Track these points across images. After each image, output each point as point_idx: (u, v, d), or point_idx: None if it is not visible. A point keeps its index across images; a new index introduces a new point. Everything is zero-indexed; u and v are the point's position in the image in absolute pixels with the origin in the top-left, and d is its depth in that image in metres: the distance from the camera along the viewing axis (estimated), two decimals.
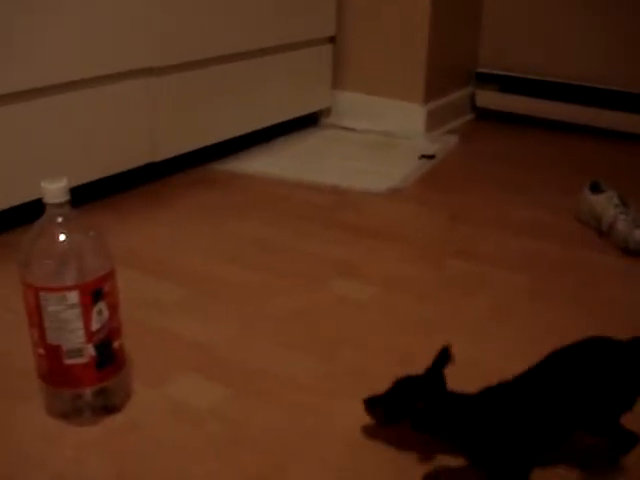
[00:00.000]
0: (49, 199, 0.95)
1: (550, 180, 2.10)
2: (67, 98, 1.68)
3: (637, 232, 1.60)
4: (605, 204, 1.70)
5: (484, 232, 1.73)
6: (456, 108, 2.69)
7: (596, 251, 1.63)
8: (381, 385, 1.11)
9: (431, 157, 2.26)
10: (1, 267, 1.43)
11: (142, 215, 1.80)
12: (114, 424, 1.05)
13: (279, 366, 1.19)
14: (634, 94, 2.43)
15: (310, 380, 1.16)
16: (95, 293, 0.98)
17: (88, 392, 1.03)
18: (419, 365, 1.17)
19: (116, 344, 1.04)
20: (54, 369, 1.01)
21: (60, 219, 0.96)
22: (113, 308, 1.02)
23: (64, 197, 0.95)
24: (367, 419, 1.05)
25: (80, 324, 0.97)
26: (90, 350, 1.00)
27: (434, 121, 2.53)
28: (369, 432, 1.03)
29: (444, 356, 0.95)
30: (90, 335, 0.99)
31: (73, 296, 0.96)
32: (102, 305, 0.99)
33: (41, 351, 1.00)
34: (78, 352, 0.99)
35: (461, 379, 1.05)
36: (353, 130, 2.54)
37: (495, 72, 2.69)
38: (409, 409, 0.94)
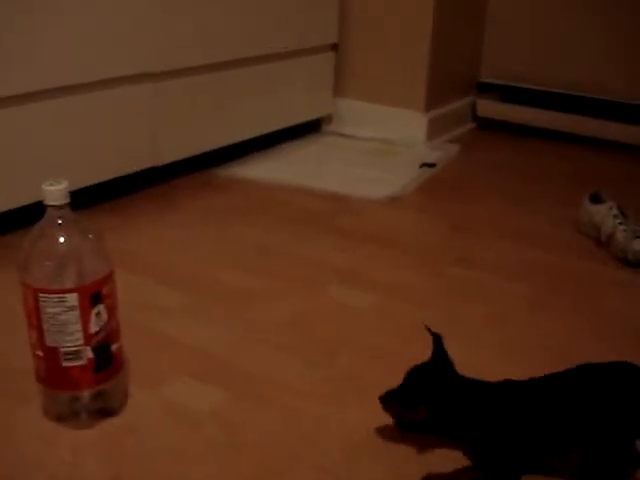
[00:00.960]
0: (49, 201, 0.95)
1: (550, 190, 2.10)
2: (69, 101, 1.68)
3: (636, 243, 1.60)
4: (604, 214, 1.70)
5: (484, 241, 1.74)
6: (457, 117, 2.69)
7: (595, 261, 1.63)
8: (379, 391, 1.11)
9: (432, 165, 2.27)
10: (1, 269, 1.43)
11: (145, 218, 1.80)
12: (111, 427, 1.05)
13: (277, 370, 1.19)
14: (635, 105, 2.44)
15: (308, 385, 1.16)
16: (94, 295, 0.98)
17: (86, 395, 1.03)
18: None
19: (114, 347, 1.04)
20: (52, 371, 1.01)
21: (60, 221, 0.96)
22: (112, 311, 1.02)
23: (64, 199, 0.96)
24: (364, 425, 1.05)
25: (79, 326, 0.98)
26: (88, 353, 1.00)
27: (435, 129, 2.54)
28: (366, 438, 1.03)
29: (439, 341, 0.99)
30: (88, 338, 0.99)
31: (72, 298, 0.96)
32: (101, 308, 0.99)
33: (39, 353, 1.00)
34: (76, 354, 0.99)
35: None
36: (354, 137, 2.54)
37: (496, 82, 2.70)
38: (426, 395, 0.95)
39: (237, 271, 1.55)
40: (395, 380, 1.16)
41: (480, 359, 1.23)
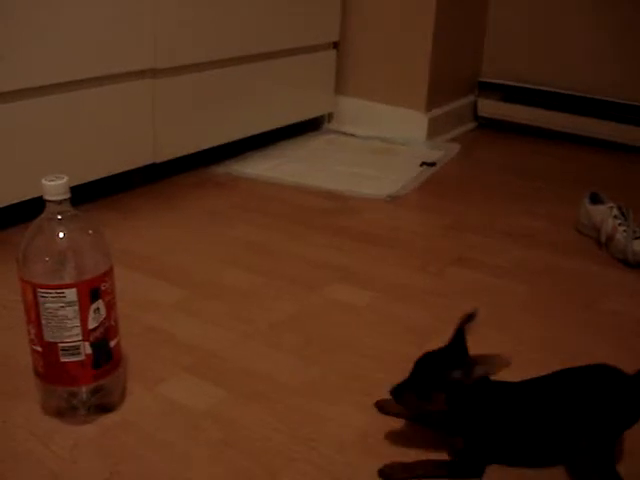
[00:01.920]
0: (49, 196, 0.95)
1: (550, 190, 2.10)
2: (69, 97, 1.68)
3: (636, 244, 1.60)
4: (604, 215, 1.70)
5: (483, 240, 1.73)
6: (458, 116, 2.69)
7: (595, 262, 1.63)
8: (376, 391, 1.11)
9: (432, 164, 2.27)
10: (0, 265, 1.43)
11: (144, 215, 1.80)
12: (109, 423, 1.05)
13: (275, 369, 1.19)
14: (636, 106, 2.44)
15: (305, 384, 1.16)
16: (93, 291, 0.98)
17: (84, 390, 1.03)
18: None
19: (113, 343, 1.04)
20: (50, 366, 1.00)
21: (59, 216, 0.96)
22: (110, 307, 1.02)
23: (64, 195, 0.95)
24: (362, 423, 1.05)
25: (77, 322, 0.97)
26: (87, 348, 1.00)
27: (436, 129, 2.54)
28: (363, 437, 1.03)
29: (466, 322, 0.99)
30: (87, 333, 0.99)
31: (71, 293, 0.96)
32: (100, 303, 0.99)
33: (38, 348, 1.00)
34: (75, 350, 0.99)
35: None
36: (355, 136, 2.54)
37: (498, 81, 2.69)
38: (442, 382, 0.94)
39: (235, 269, 1.54)
40: (392, 378, 1.16)
41: None
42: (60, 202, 0.95)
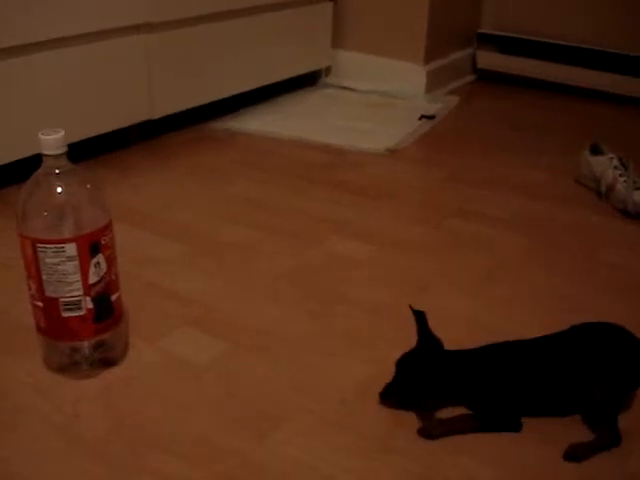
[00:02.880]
0: (46, 150, 0.94)
1: (550, 142, 2.09)
2: (63, 53, 1.66)
3: (636, 194, 1.59)
4: (605, 166, 1.69)
5: (483, 192, 1.73)
6: (457, 69, 2.67)
7: (595, 213, 1.63)
8: (377, 342, 1.12)
9: (431, 117, 2.25)
10: None
11: (141, 172, 1.79)
12: (111, 377, 1.05)
13: (275, 323, 1.20)
14: (636, 57, 2.41)
15: (307, 337, 1.16)
16: (93, 245, 0.97)
17: (86, 345, 1.03)
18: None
19: (114, 297, 1.04)
20: (52, 321, 1.01)
21: (57, 171, 0.95)
22: (111, 261, 1.01)
23: (61, 149, 0.94)
24: (363, 375, 1.06)
25: (78, 276, 0.97)
26: (88, 303, 1.00)
27: (435, 82, 2.51)
28: (365, 387, 1.04)
29: (422, 318, 0.99)
30: (88, 288, 0.99)
31: (71, 248, 0.96)
32: (100, 258, 0.99)
33: (39, 303, 1.00)
34: (76, 305, 0.99)
35: (456, 336, 1.06)
36: (353, 90, 2.52)
37: (496, 33, 2.66)
38: (421, 387, 0.98)
39: (235, 224, 1.54)
40: (392, 331, 1.17)
41: (478, 311, 1.24)
42: (57, 156, 0.95)
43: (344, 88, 2.54)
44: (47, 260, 0.96)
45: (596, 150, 1.77)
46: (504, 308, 1.25)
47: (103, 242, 0.99)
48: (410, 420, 0.97)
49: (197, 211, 1.60)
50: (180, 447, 0.93)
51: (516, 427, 0.96)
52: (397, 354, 1.00)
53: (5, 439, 0.94)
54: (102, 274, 1.00)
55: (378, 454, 0.92)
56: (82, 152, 1.70)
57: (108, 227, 1.00)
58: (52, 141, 0.93)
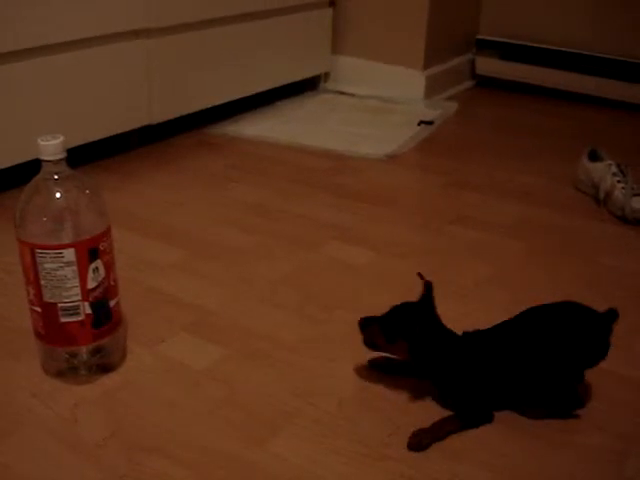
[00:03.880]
0: (45, 156, 0.94)
1: (549, 148, 2.09)
2: (64, 58, 1.66)
3: (634, 201, 1.60)
4: (603, 172, 1.69)
5: (482, 198, 1.73)
6: (456, 75, 2.67)
7: (593, 219, 1.63)
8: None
9: (430, 123, 2.25)
10: None
11: (140, 177, 1.79)
12: (110, 383, 1.05)
13: (274, 327, 1.20)
14: (635, 63, 2.42)
15: (304, 342, 1.16)
16: (91, 251, 0.97)
17: (84, 350, 1.04)
18: None
19: (112, 303, 1.04)
20: (50, 327, 1.01)
21: (56, 176, 0.95)
22: (109, 266, 1.01)
23: (60, 154, 0.95)
24: (360, 380, 1.06)
25: (76, 282, 0.97)
26: (86, 308, 1.00)
27: (434, 87, 2.52)
28: (361, 393, 1.04)
29: (429, 287, 1.03)
30: (86, 293, 0.99)
31: (69, 253, 0.96)
32: (98, 263, 0.99)
33: (37, 309, 1.00)
34: (74, 310, 0.99)
35: None
36: (352, 95, 2.52)
37: (495, 39, 2.67)
38: (407, 331, 0.99)
39: (234, 229, 1.54)
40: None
41: (476, 316, 1.24)
42: (56, 162, 0.95)
43: (343, 93, 2.54)
44: (46, 265, 0.96)
45: (594, 156, 1.78)
46: (503, 313, 1.25)
47: (102, 247, 0.99)
48: (406, 423, 0.98)
49: (196, 216, 1.60)
50: (178, 452, 0.93)
51: (489, 418, 0.99)
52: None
53: (3, 444, 0.94)
54: (101, 279, 1.00)
55: (375, 459, 0.92)
56: (81, 157, 1.71)
57: (107, 232, 1.00)
58: (51, 147, 0.94)
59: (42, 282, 0.97)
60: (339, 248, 1.47)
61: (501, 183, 1.82)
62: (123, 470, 0.90)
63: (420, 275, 1.04)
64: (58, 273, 0.96)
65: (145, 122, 1.93)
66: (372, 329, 1.03)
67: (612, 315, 1.00)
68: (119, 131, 1.87)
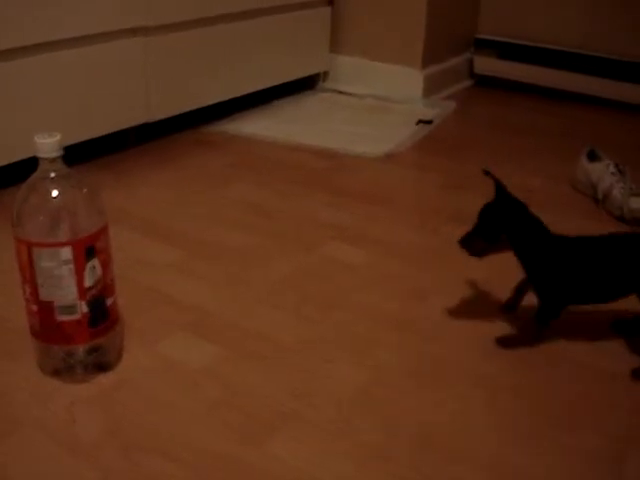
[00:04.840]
0: (42, 153, 0.94)
1: (547, 147, 2.09)
2: (60, 56, 1.66)
3: (632, 201, 1.59)
4: (601, 172, 1.69)
5: (480, 198, 1.72)
6: (454, 74, 2.67)
7: (591, 219, 1.63)
8: (373, 348, 1.11)
9: (428, 122, 2.25)
10: None
11: (138, 176, 1.78)
12: (106, 382, 1.05)
13: (272, 328, 1.19)
14: (635, 63, 2.41)
15: (302, 342, 1.16)
16: (88, 249, 0.97)
17: (80, 349, 1.03)
18: (413, 329, 1.18)
19: (109, 301, 1.03)
20: (46, 325, 1.00)
21: (53, 175, 0.95)
22: (106, 265, 1.01)
23: (57, 152, 0.94)
24: (358, 381, 1.06)
25: (73, 280, 0.97)
26: (83, 307, 0.99)
27: (432, 86, 2.51)
28: (360, 394, 1.04)
29: (499, 183, 1.14)
30: (83, 292, 0.98)
31: (66, 252, 0.95)
32: (95, 262, 0.98)
33: (33, 307, 1.00)
34: (71, 309, 0.99)
35: (454, 339, 1.06)
36: (350, 94, 2.51)
37: (494, 38, 2.66)
38: (502, 224, 1.11)
39: (231, 228, 1.54)
40: (389, 336, 1.17)
41: (474, 316, 1.24)
42: (53, 160, 0.94)
43: (341, 92, 2.54)
44: (42, 264, 0.96)
45: (593, 156, 1.77)
46: (500, 313, 1.25)
47: (98, 246, 0.98)
48: (407, 424, 0.97)
49: (194, 215, 1.59)
50: (176, 452, 0.92)
51: (556, 315, 1.11)
52: (395, 360, 1.00)
53: (2, 445, 0.93)
54: (97, 278, 1.00)
55: (374, 461, 0.92)
56: (79, 155, 1.70)
57: (104, 231, 1.00)
58: (48, 145, 0.93)
59: (39, 280, 0.97)
60: (337, 248, 1.47)
61: None
62: (120, 470, 0.89)
63: (486, 171, 1.14)
64: (55, 272, 0.96)
65: (143, 120, 1.92)
66: (472, 240, 1.11)
67: None
68: (116, 129, 1.86)
